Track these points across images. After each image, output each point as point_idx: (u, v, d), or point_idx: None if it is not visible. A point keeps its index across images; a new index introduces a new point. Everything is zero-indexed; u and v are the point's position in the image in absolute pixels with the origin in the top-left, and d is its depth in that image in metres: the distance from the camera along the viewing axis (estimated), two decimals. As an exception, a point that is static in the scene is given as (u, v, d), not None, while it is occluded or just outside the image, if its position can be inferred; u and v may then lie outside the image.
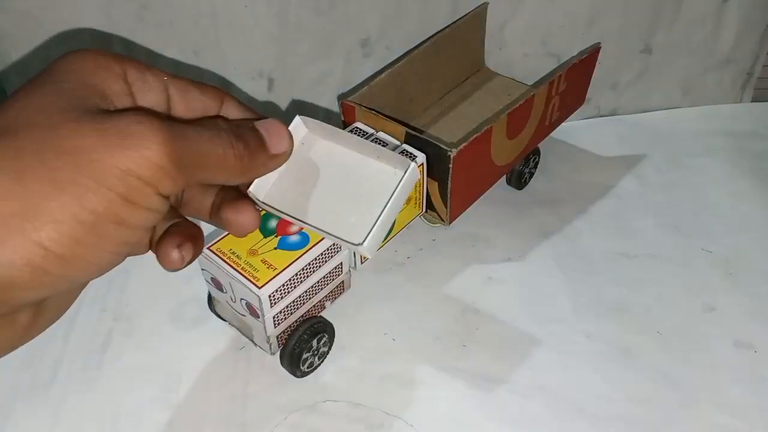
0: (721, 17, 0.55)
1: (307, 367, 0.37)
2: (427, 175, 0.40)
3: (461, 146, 0.38)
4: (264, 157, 0.27)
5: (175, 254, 0.26)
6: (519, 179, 0.49)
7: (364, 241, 0.26)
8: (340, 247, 0.37)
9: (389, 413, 0.36)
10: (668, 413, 0.36)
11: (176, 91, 0.27)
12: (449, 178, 0.39)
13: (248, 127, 0.26)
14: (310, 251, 0.35)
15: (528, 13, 0.52)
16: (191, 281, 0.43)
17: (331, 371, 0.38)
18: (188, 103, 0.27)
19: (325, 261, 0.36)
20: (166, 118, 0.23)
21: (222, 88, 0.28)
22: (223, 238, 0.36)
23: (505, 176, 0.49)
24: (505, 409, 0.36)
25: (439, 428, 0.35)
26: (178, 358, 0.39)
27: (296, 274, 0.34)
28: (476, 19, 0.52)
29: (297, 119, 0.29)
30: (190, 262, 0.27)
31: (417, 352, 0.39)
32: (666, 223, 0.48)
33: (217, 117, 0.27)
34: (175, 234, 0.26)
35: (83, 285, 0.24)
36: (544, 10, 0.52)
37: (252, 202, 0.27)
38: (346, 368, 0.38)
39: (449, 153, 0.38)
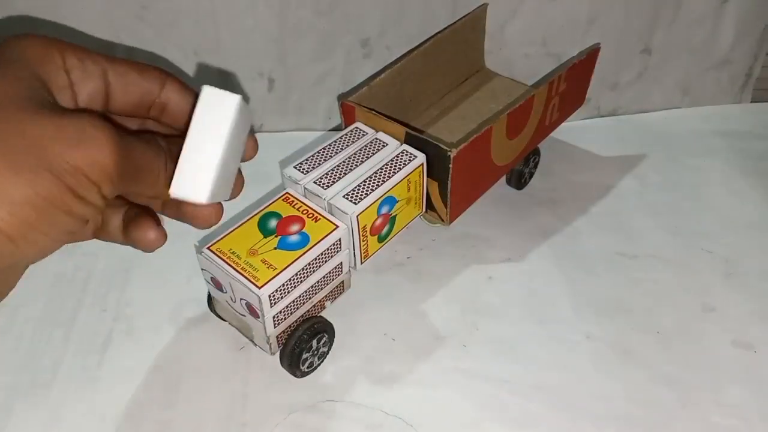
0: (721, 17, 0.55)
1: (307, 367, 0.37)
2: (427, 175, 0.40)
3: (461, 146, 0.38)
4: None
5: (152, 234, 0.29)
6: (519, 179, 0.49)
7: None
8: (341, 247, 0.37)
9: (389, 413, 0.36)
10: (668, 413, 0.36)
11: (115, 76, 0.28)
12: (449, 178, 0.39)
13: None
14: (310, 251, 0.35)
15: (528, 13, 0.52)
16: (191, 281, 0.43)
17: (331, 371, 0.38)
18: (126, 88, 0.28)
19: (325, 261, 0.36)
20: (119, 128, 0.24)
21: (162, 68, 0.29)
22: (223, 238, 0.36)
23: (505, 176, 0.49)
24: (505, 409, 0.36)
25: (439, 428, 0.35)
26: (178, 358, 0.39)
27: (296, 274, 0.34)
28: (476, 20, 0.52)
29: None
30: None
31: (417, 352, 0.39)
32: (666, 223, 0.48)
33: (160, 135, 0.29)
34: (143, 218, 0.29)
35: (23, 268, 0.26)
36: (544, 10, 0.52)
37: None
38: (346, 368, 0.38)
39: (449, 153, 0.38)
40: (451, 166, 0.38)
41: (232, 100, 0.27)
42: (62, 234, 0.24)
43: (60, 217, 0.23)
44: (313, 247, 0.35)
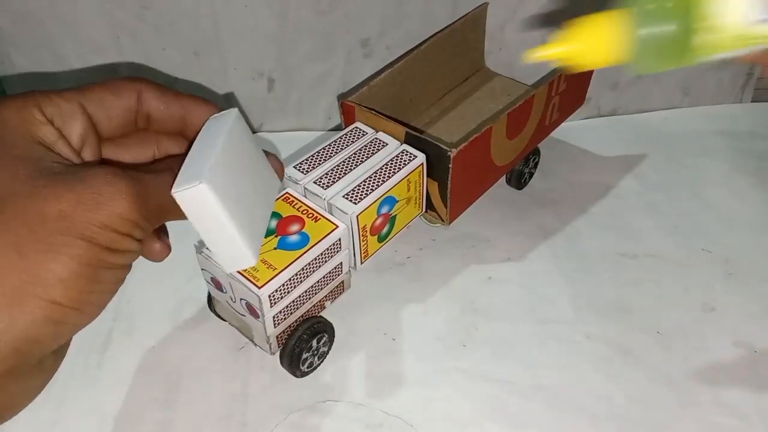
0: (721, 17, 0.55)
1: (307, 367, 0.37)
2: (427, 175, 0.40)
3: (461, 146, 0.38)
4: None
5: (157, 246, 0.29)
6: (519, 179, 0.49)
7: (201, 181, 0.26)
8: (340, 247, 0.37)
9: (389, 413, 0.36)
10: (668, 413, 0.36)
11: (92, 106, 0.29)
12: (449, 178, 0.39)
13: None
14: (310, 251, 0.35)
15: (528, 13, 0.52)
16: (191, 281, 0.43)
17: (331, 371, 0.38)
18: (108, 112, 0.29)
19: (325, 261, 0.36)
20: (130, 173, 0.26)
21: (136, 77, 0.30)
22: None
23: (505, 176, 0.49)
24: (505, 409, 0.36)
25: (439, 428, 0.35)
26: (178, 358, 0.39)
27: (296, 274, 0.34)
28: (476, 20, 0.52)
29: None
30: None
31: (417, 352, 0.39)
32: (666, 223, 0.48)
33: (172, 158, 0.30)
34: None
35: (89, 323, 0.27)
36: (544, 10, 0.52)
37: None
38: (346, 368, 0.38)
39: (449, 153, 0.38)
40: (450, 166, 0.38)
41: (230, 112, 0.29)
42: (113, 285, 0.26)
43: (107, 273, 0.25)
44: (313, 247, 0.35)
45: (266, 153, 0.31)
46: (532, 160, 0.49)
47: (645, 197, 0.50)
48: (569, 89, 0.48)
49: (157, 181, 0.27)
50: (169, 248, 0.30)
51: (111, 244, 0.25)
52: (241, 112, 0.57)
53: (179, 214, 0.27)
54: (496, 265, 0.44)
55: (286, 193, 0.38)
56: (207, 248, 0.35)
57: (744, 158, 0.54)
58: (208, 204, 0.26)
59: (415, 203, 0.41)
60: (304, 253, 0.35)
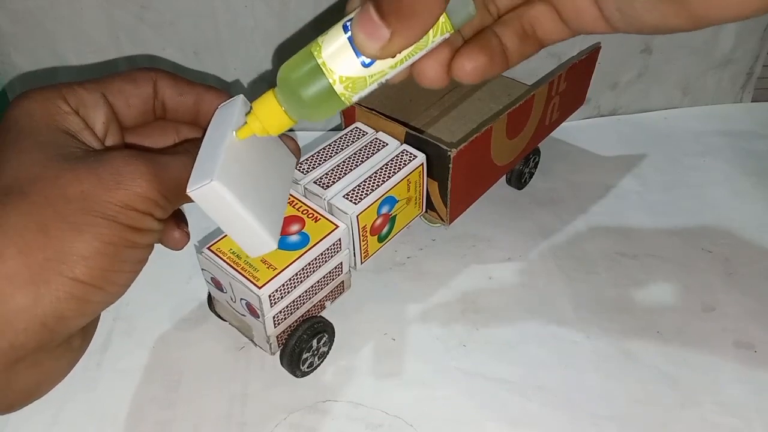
0: (721, 17, 0.55)
1: (307, 367, 0.37)
2: (428, 175, 0.40)
3: (461, 146, 0.38)
4: None
5: (177, 234, 0.30)
6: (519, 179, 0.49)
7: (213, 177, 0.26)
8: (341, 247, 0.37)
9: (389, 413, 0.36)
10: (668, 413, 0.36)
11: (113, 95, 0.30)
12: (449, 178, 0.39)
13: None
14: (310, 251, 0.35)
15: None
16: (191, 281, 0.43)
17: (331, 371, 0.38)
18: (127, 101, 0.30)
19: (325, 261, 0.36)
20: (148, 155, 0.27)
21: (151, 67, 0.31)
22: (223, 237, 0.36)
23: (505, 176, 0.49)
24: (505, 409, 0.36)
25: (439, 428, 0.35)
26: (178, 358, 0.39)
27: (296, 274, 0.34)
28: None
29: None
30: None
31: (417, 352, 0.39)
32: (666, 223, 0.48)
33: (189, 142, 0.31)
34: (169, 219, 0.30)
35: (114, 302, 0.28)
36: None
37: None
38: (346, 368, 0.38)
39: (449, 153, 0.38)
40: (450, 165, 0.38)
41: (236, 99, 0.29)
42: (136, 264, 0.27)
43: (129, 253, 0.26)
44: (313, 247, 0.35)
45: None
46: (532, 160, 0.49)
47: (645, 197, 0.50)
48: (569, 89, 0.48)
49: (175, 162, 0.27)
50: (188, 236, 0.31)
51: (132, 222, 0.25)
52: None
53: None
54: (497, 265, 0.44)
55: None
56: (207, 248, 0.35)
57: (744, 158, 0.54)
58: (223, 199, 0.26)
59: (416, 203, 0.41)
60: (305, 253, 0.35)
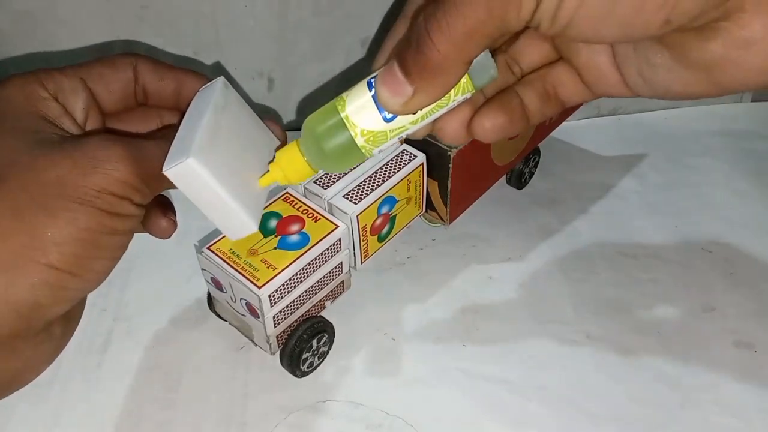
0: (721, 17, 0.55)
1: (307, 367, 0.37)
2: (428, 175, 0.40)
3: (463, 146, 0.38)
4: None
5: (164, 222, 0.30)
6: (519, 179, 0.49)
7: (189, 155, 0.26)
8: (340, 247, 0.37)
9: (389, 413, 0.36)
10: (668, 413, 0.36)
11: (93, 81, 0.30)
12: (449, 178, 0.39)
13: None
14: (309, 251, 0.35)
15: (528, 13, 0.52)
16: (191, 281, 0.43)
17: (331, 371, 0.38)
18: (107, 87, 0.30)
19: (325, 261, 0.36)
20: (126, 139, 0.26)
21: (130, 52, 0.31)
22: (223, 237, 0.36)
23: (505, 176, 0.49)
24: (505, 409, 0.36)
25: (439, 428, 0.35)
26: (178, 358, 0.39)
27: (296, 274, 0.34)
28: None
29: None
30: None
31: (417, 352, 0.39)
32: (666, 223, 0.48)
33: (169, 127, 0.31)
34: (155, 207, 0.30)
35: (93, 289, 0.27)
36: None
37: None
38: (346, 368, 0.38)
39: (449, 152, 0.38)
40: (450, 165, 0.38)
41: (216, 81, 0.29)
42: (115, 251, 0.26)
43: (107, 239, 0.25)
44: (313, 246, 0.35)
45: (263, 117, 0.31)
46: (532, 159, 0.49)
47: (645, 197, 0.50)
48: None
49: (153, 146, 0.27)
50: (175, 225, 0.31)
51: (110, 207, 0.25)
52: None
53: None
54: (496, 265, 0.44)
55: (286, 193, 0.38)
56: (207, 248, 0.35)
57: (744, 158, 0.54)
58: (199, 177, 0.26)
59: (416, 203, 0.41)
60: (304, 253, 0.35)
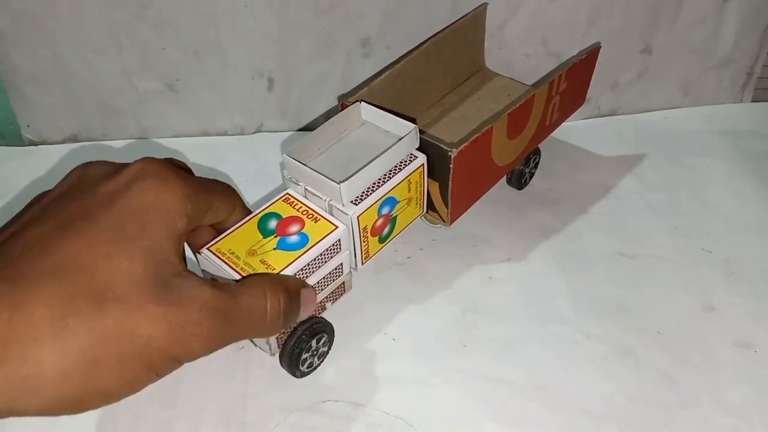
0: (721, 17, 0.55)
1: (307, 368, 0.37)
2: (428, 176, 0.40)
3: (462, 146, 0.38)
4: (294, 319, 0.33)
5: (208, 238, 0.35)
6: (519, 179, 0.49)
7: (343, 181, 0.34)
8: (341, 248, 0.37)
9: (389, 413, 0.36)
10: (668, 413, 0.36)
11: (211, 212, 0.32)
12: (450, 179, 0.39)
13: (293, 291, 0.32)
14: (309, 251, 0.35)
15: (528, 13, 0.52)
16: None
17: (331, 371, 0.38)
18: (210, 216, 0.33)
19: (325, 261, 0.36)
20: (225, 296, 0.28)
21: (235, 192, 0.35)
22: (223, 238, 0.36)
23: (505, 176, 0.49)
24: (505, 409, 0.36)
25: (439, 428, 0.35)
26: (178, 358, 0.39)
27: (295, 275, 0.34)
28: (476, 19, 0.52)
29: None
30: None
31: (417, 352, 0.39)
32: (666, 223, 0.48)
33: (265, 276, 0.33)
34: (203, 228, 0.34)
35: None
36: (544, 9, 0.52)
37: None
38: (346, 368, 0.38)
39: (450, 153, 0.38)
40: (451, 166, 0.38)
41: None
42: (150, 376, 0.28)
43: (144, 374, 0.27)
44: (312, 247, 0.35)
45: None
46: (532, 160, 0.49)
47: (645, 197, 0.50)
48: (569, 89, 0.48)
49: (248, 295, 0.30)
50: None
51: (160, 368, 0.28)
52: (242, 111, 0.57)
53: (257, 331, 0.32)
54: (497, 265, 0.44)
55: (287, 194, 0.38)
56: (207, 249, 0.35)
57: (744, 158, 0.54)
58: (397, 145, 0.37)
59: (416, 204, 0.41)
60: (304, 253, 0.35)
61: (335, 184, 0.35)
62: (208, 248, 0.35)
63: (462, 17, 0.51)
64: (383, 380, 0.37)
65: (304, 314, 0.33)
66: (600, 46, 0.49)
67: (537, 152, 0.50)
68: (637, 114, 0.59)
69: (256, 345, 0.37)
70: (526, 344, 0.39)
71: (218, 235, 0.35)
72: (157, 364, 0.27)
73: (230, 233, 0.36)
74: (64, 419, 0.35)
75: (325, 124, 0.40)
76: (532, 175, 0.51)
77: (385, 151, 0.36)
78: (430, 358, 0.39)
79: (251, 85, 0.54)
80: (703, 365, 0.38)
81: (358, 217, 0.36)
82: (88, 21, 0.48)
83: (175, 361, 0.27)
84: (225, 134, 0.56)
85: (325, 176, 0.35)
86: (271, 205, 0.37)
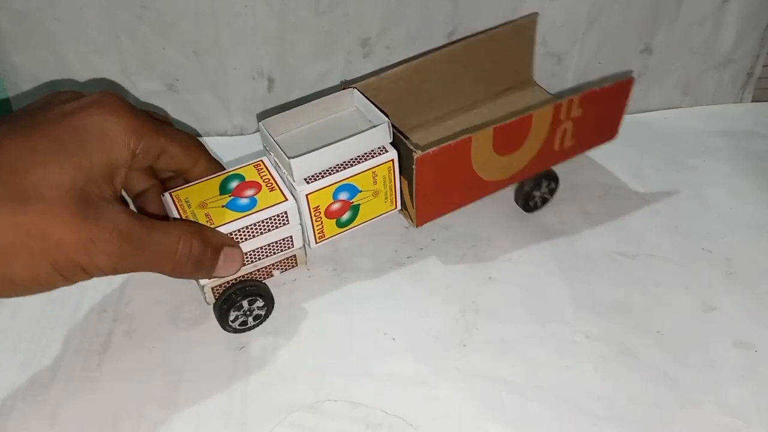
0: (721, 17, 0.55)
1: (239, 325, 0.39)
2: (400, 173, 0.40)
3: (429, 150, 0.38)
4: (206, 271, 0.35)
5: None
6: (526, 200, 0.47)
7: (294, 157, 0.36)
8: (287, 221, 0.38)
9: (389, 413, 0.36)
10: (668, 413, 0.36)
11: (166, 157, 0.35)
12: (414, 180, 0.39)
13: (214, 245, 0.35)
14: (249, 216, 0.36)
15: (528, 12, 0.52)
16: (191, 281, 0.43)
17: (330, 371, 0.38)
18: (168, 162, 0.36)
19: (268, 230, 0.37)
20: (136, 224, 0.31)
21: (201, 144, 0.38)
22: (186, 187, 0.38)
23: (514, 194, 0.48)
24: (505, 409, 0.36)
25: (438, 428, 0.35)
26: (178, 358, 0.39)
27: (230, 234, 0.36)
28: (521, 29, 0.49)
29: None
30: None
31: (417, 352, 0.39)
32: (666, 223, 0.48)
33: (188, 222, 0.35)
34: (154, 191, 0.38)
35: None
36: (544, 9, 0.52)
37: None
38: (346, 368, 0.38)
39: (413, 154, 0.38)
40: (414, 167, 0.38)
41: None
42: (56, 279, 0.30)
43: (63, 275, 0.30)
44: (254, 213, 0.36)
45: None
46: (545, 184, 0.47)
47: (645, 197, 0.50)
48: (589, 117, 0.44)
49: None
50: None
51: (70, 276, 0.30)
52: (242, 111, 0.57)
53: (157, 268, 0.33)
54: (496, 265, 0.44)
55: (260, 161, 0.40)
56: (169, 193, 0.38)
57: (744, 158, 0.54)
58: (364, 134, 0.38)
59: (386, 198, 0.41)
60: (244, 216, 0.36)
61: (287, 159, 0.36)
62: (170, 193, 0.38)
63: (504, 24, 0.48)
64: (383, 380, 0.37)
65: (225, 271, 0.35)
66: (633, 79, 0.45)
67: (552, 177, 0.47)
68: (637, 114, 0.59)
69: (203, 293, 0.39)
70: (526, 344, 0.39)
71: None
72: (63, 267, 0.29)
73: (194, 184, 0.38)
74: (65, 419, 0.36)
75: (313, 102, 0.41)
76: (545, 200, 0.48)
77: (346, 138, 0.37)
78: (430, 357, 0.39)
79: (251, 85, 0.54)
80: (703, 365, 0.38)
81: (307, 195, 0.37)
82: (88, 21, 0.48)
83: (80, 269, 0.29)
84: (225, 134, 0.56)
85: (282, 150, 0.37)
86: (241, 168, 0.39)
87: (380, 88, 0.44)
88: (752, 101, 0.60)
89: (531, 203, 0.48)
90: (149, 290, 0.43)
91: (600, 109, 0.45)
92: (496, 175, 0.43)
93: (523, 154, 0.43)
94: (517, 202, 0.48)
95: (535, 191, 0.47)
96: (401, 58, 0.53)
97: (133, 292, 0.43)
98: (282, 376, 0.37)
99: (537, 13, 0.50)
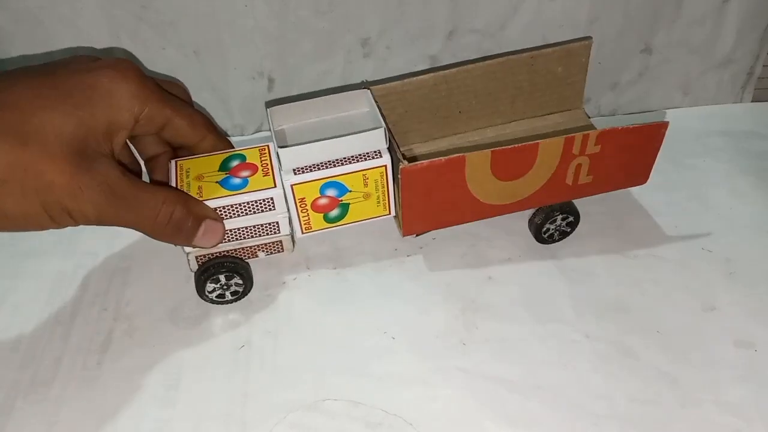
0: (721, 17, 0.55)
1: (216, 297, 0.41)
2: (393, 181, 0.41)
3: (417, 164, 0.37)
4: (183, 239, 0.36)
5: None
6: (538, 231, 0.45)
7: (282, 147, 0.38)
8: (274, 207, 0.38)
9: (389, 412, 0.36)
10: (668, 413, 0.36)
11: (171, 129, 0.36)
12: (399, 189, 0.39)
13: (196, 214, 0.36)
14: (236, 196, 0.37)
15: (528, 12, 0.52)
16: (191, 280, 0.43)
17: (330, 370, 0.38)
18: (173, 134, 0.37)
19: (254, 212, 0.38)
20: (127, 184, 0.33)
21: (209, 121, 0.39)
22: (192, 158, 0.39)
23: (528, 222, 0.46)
24: (505, 408, 0.36)
25: (438, 427, 0.35)
26: (178, 358, 0.39)
27: (216, 209, 0.37)
28: (572, 53, 0.47)
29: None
30: None
31: (417, 351, 0.39)
32: (666, 223, 0.48)
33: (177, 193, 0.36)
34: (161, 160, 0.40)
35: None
36: (544, 9, 0.52)
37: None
38: (346, 368, 0.38)
39: (400, 164, 0.38)
40: (400, 177, 0.38)
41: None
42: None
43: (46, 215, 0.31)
44: (242, 194, 0.37)
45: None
46: (561, 218, 0.44)
47: (645, 197, 0.50)
48: (610, 155, 0.42)
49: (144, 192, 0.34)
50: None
51: (58, 218, 0.31)
52: (242, 111, 0.57)
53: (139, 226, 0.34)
54: (496, 264, 0.44)
55: (266, 145, 0.41)
56: (175, 161, 0.40)
57: (744, 158, 0.54)
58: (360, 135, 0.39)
59: (379, 202, 0.41)
60: (231, 195, 0.37)
61: (277, 148, 0.38)
62: (175, 161, 0.39)
63: (551, 44, 0.47)
64: (383, 379, 0.37)
65: (205, 242, 0.37)
66: (666, 123, 0.43)
67: (569, 211, 0.44)
68: (637, 114, 0.59)
69: (187, 260, 0.40)
70: (525, 343, 0.39)
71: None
72: (52, 209, 0.30)
73: (199, 157, 0.40)
74: (65, 419, 0.36)
75: (325, 96, 0.42)
76: (564, 233, 0.46)
77: (338, 137, 0.38)
78: (429, 356, 0.39)
79: (251, 85, 0.54)
80: (703, 365, 0.38)
81: (292, 186, 0.38)
82: (88, 21, 0.48)
83: (66, 214, 0.31)
84: (225, 134, 0.56)
85: (275, 139, 0.39)
86: (246, 149, 0.40)
87: (404, 93, 0.43)
88: (752, 101, 0.60)
89: (545, 235, 0.45)
90: (149, 290, 0.43)
91: (624, 150, 0.42)
92: (497, 199, 0.42)
93: (528, 183, 0.41)
94: (530, 229, 0.46)
95: (548, 224, 0.44)
96: (401, 58, 0.53)
97: (133, 291, 0.43)
98: (282, 375, 0.37)
99: (591, 37, 0.47)
